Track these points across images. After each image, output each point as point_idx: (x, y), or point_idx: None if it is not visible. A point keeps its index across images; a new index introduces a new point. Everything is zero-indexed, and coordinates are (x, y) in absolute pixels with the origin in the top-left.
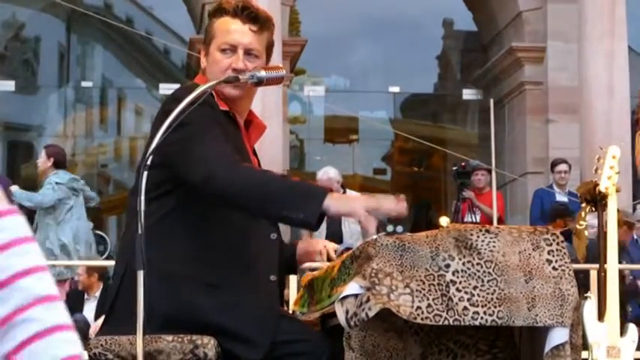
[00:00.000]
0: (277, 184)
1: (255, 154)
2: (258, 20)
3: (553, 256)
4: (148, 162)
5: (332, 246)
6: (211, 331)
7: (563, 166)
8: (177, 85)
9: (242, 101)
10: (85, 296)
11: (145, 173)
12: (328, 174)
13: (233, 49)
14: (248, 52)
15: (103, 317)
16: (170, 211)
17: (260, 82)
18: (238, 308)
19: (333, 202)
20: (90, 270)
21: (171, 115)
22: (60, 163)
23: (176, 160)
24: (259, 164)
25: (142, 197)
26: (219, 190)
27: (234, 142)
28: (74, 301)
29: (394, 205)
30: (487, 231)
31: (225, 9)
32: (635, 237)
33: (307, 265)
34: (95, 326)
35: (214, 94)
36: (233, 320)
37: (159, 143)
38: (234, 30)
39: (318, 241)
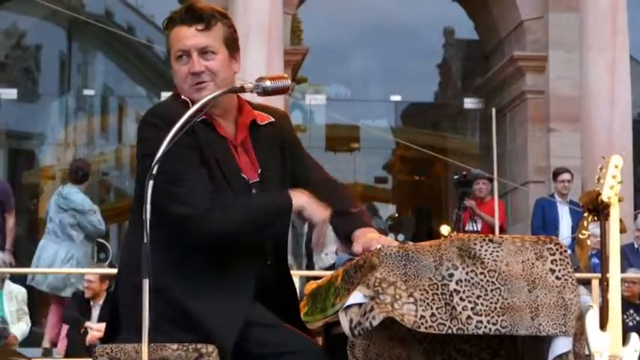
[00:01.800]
0: (246, 209)
1: (253, 135)
2: (203, 18)
3: (556, 265)
4: (154, 171)
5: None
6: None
7: (566, 176)
8: None
9: (219, 102)
10: (91, 303)
11: (151, 182)
12: None
13: (187, 54)
14: (203, 52)
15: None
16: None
17: (265, 92)
18: (204, 314)
19: (297, 202)
20: (103, 278)
21: (172, 130)
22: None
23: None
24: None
25: (148, 206)
26: (198, 235)
27: (213, 153)
28: (81, 309)
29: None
30: (490, 240)
31: (173, 18)
32: (636, 245)
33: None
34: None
35: (189, 104)
36: (198, 325)
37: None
38: (183, 36)
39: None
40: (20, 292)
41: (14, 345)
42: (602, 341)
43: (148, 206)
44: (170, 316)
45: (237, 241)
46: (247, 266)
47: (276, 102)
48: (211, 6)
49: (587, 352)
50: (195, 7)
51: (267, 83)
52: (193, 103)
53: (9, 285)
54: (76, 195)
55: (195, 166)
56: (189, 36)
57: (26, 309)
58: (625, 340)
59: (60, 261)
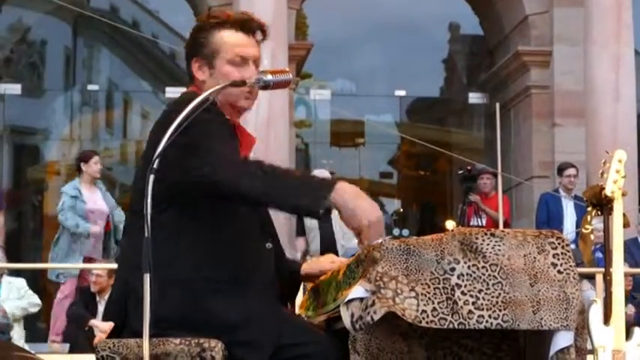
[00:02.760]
0: (287, 175)
1: None
2: (263, 32)
3: (558, 259)
4: (155, 165)
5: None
6: (216, 335)
7: (571, 171)
8: (183, 89)
9: (242, 113)
10: (97, 298)
11: (152, 177)
12: (323, 174)
13: (244, 61)
14: (255, 63)
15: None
16: (169, 226)
17: (267, 86)
18: (242, 311)
19: (342, 195)
20: (111, 272)
21: (177, 118)
22: None
23: (183, 161)
24: None
25: (149, 200)
26: (228, 188)
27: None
28: (86, 303)
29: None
30: (492, 234)
31: (227, 21)
32: None
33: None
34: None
35: (218, 104)
36: (238, 323)
37: (164, 148)
38: (244, 43)
39: (326, 262)
40: (20, 282)
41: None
42: (606, 336)
43: (149, 200)
44: (178, 315)
45: (268, 200)
46: (266, 268)
47: (280, 97)
48: (261, 20)
49: (589, 347)
50: (254, 17)
51: (269, 77)
52: (224, 107)
53: (6, 277)
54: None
55: (230, 137)
56: (251, 45)
57: (31, 292)
58: (628, 335)
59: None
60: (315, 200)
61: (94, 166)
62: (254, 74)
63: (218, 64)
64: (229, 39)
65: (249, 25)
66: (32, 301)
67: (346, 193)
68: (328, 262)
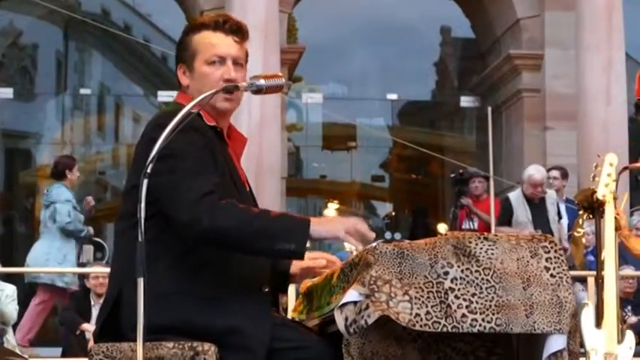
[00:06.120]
0: (262, 220)
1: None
2: (240, 31)
3: (551, 263)
4: (149, 170)
5: (333, 258)
6: (208, 341)
7: (550, 172)
8: (175, 92)
9: (227, 115)
10: (92, 302)
11: (146, 181)
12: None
13: (222, 60)
14: (235, 62)
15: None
16: (156, 234)
17: (259, 91)
18: (232, 317)
19: (316, 228)
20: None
21: (166, 129)
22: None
23: (161, 196)
24: (246, 178)
25: (143, 205)
26: (205, 237)
27: (223, 159)
28: (79, 308)
29: (365, 229)
30: (485, 238)
31: (204, 24)
32: None
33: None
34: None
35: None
36: (228, 328)
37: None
38: (220, 42)
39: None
40: (10, 288)
41: None
42: (598, 339)
43: (143, 205)
44: (168, 324)
45: (246, 248)
46: (262, 268)
47: (272, 101)
48: (242, 21)
49: (582, 350)
50: (232, 18)
51: (262, 82)
52: (207, 111)
53: None
54: (55, 189)
55: (208, 167)
56: (227, 44)
57: (15, 304)
58: (620, 338)
59: (41, 256)
60: (299, 243)
61: (76, 174)
62: (231, 72)
63: (197, 65)
64: (204, 40)
65: (225, 25)
66: (7, 315)
67: (316, 225)
68: (308, 259)
